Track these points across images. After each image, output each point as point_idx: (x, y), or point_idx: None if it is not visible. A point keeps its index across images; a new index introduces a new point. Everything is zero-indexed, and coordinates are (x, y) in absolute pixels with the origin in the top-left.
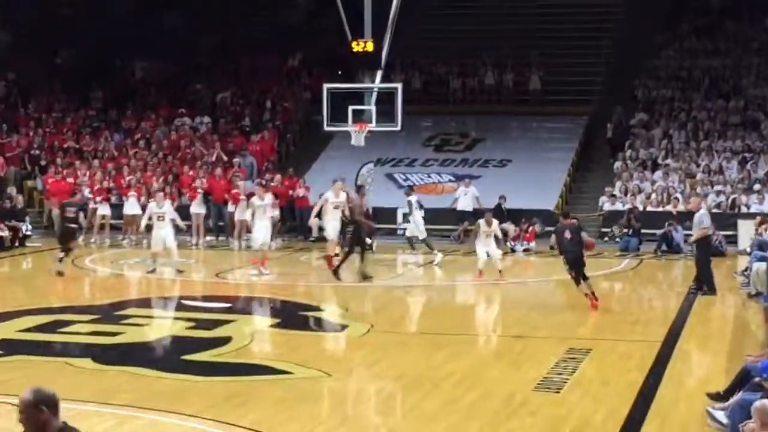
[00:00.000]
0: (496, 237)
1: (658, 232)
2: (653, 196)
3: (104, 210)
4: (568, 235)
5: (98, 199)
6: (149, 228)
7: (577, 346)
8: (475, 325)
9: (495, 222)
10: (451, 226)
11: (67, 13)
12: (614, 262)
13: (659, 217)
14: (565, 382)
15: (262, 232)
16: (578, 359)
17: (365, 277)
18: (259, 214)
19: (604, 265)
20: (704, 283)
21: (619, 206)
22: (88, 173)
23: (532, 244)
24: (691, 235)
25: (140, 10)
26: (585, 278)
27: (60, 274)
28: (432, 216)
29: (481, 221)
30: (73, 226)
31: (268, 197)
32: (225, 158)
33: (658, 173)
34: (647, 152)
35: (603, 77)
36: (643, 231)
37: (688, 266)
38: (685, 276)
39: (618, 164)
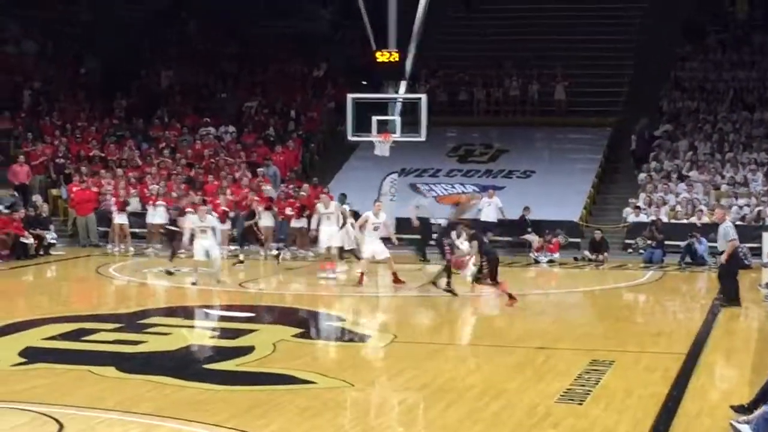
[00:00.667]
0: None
1: (682, 244)
2: (678, 207)
3: (122, 219)
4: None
5: (113, 208)
6: (191, 240)
7: (601, 357)
8: (498, 336)
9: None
10: None
11: (90, 21)
12: (638, 274)
13: (683, 228)
14: (588, 394)
15: (326, 236)
16: (601, 371)
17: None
18: (324, 221)
19: (628, 276)
20: (728, 296)
21: (643, 218)
22: (112, 182)
23: (556, 256)
24: (715, 247)
25: (165, 19)
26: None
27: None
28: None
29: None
30: (176, 228)
31: (333, 205)
32: (249, 175)
33: (683, 185)
34: (672, 164)
35: (627, 88)
36: (667, 243)
37: (712, 278)
38: (709, 288)
39: (642, 176)
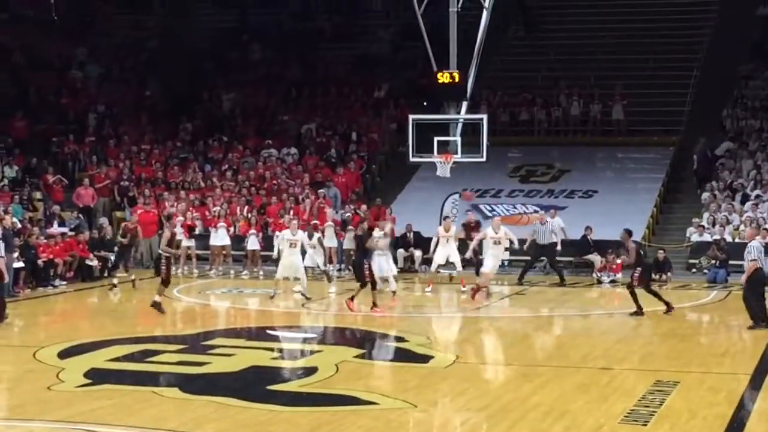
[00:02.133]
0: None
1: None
2: (742, 227)
3: (188, 242)
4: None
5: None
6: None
7: (665, 378)
8: (562, 356)
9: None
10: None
11: (154, 45)
12: (702, 294)
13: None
14: (653, 415)
15: (440, 258)
16: (666, 392)
17: None
18: (442, 243)
19: (692, 296)
20: (754, 318)
21: (707, 237)
22: (176, 205)
23: (619, 276)
24: None
25: (227, 42)
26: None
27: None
28: (519, 247)
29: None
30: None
31: (453, 229)
32: (312, 197)
33: (747, 204)
34: (736, 183)
35: (690, 107)
36: (731, 262)
37: None
38: None
39: (706, 195)
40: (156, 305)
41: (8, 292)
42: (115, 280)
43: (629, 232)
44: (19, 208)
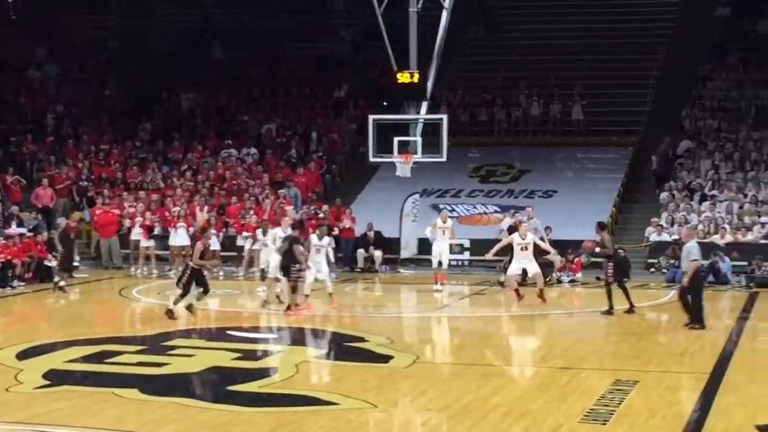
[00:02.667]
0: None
1: (705, 263)
2: (700, 227)
3: (147, 242)
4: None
5: (138, 231)
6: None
7: (624, 377)
8: (521, 356)
9: (327, 238)
10: (499, 257)
11: (114, 45)
12: (661, 294)
13: (706, 248)
14: (612, 414)
15: (437, 251)
16: (625, 391)
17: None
18: (439, 236)
19: (651, 296)
20: (693, 317)
21: (665, 237)
22: (135, 205)
23: (579, 275)
24: (740, 265)
25: (186, 42)
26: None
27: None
28: (478, 247)
29: (313, 235)
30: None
31: (450, 222)
32: (272, 197)
33: (705, 204)
34: (694, 183)
35: (649, 108)
36: None
37: (735, 297)
38: (732, 307)
39: (664, 195)
40: (169, 313)
41: None
42: (62, 282)
43: (601, 225)
44: None
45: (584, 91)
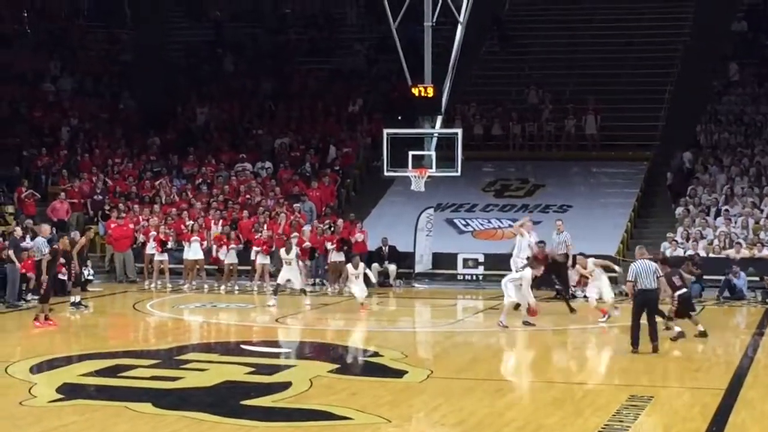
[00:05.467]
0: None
1: (721, 278)
2: (716, 242)
3: (161, 256)
4: None
5: (152, 244)
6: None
7: (639, 393)
8: (536, 371)
9: (361, 264)
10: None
11: (127, 59)
12: None
13: (722, 263)
14: (627, 430)
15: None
16: (640, 407)
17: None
18: (524, 249)
19: (666, 311)
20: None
21: (680, 252)
22: (149, 219)
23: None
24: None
25: (201, 56)
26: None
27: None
28: (493, 262)
29: (349, 265)
30: None
31: (534, 235)
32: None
33: (721, 219)
34: (709, 198)
35: (664, 122)
36: (705, 277)
37: (751, 312)
38: (748, 323)
39: (680, 210)
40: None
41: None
42: (77, 298)
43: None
44: None
45: (599, 106)
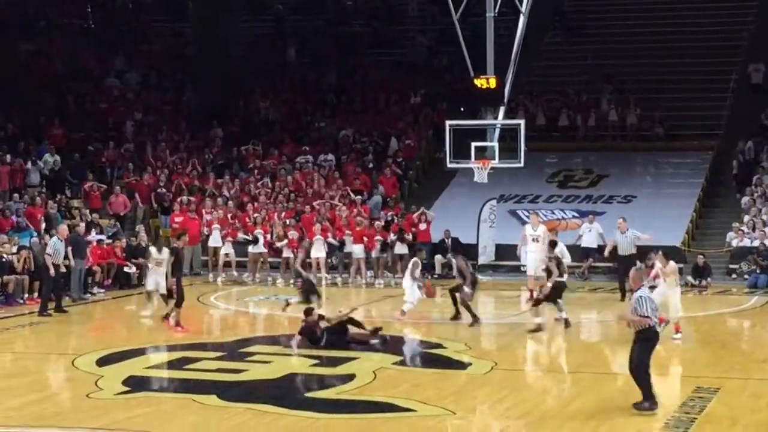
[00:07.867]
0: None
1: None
2: None
3: (227, 248)
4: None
5: (216, 235)
6: None
7: (706, 384)
8: (601, 362)
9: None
10: (575, 263)
11: (190, 52)
12: (743, 300)
13: None
14: (694, 422)
15: (532, 260)
16: (706, 398)
17: None
18: (530, 243)
19: (732, 302)
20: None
21: (747, 242)
22: (213, 212)
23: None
24: None
25: (263, 48)
26: None
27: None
28: None
29: (411, 264)
30: None
31: (541, 228)
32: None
33: None
34: None
35: (728, 111)
36: None
37: None
38: None
39: (746, 199)
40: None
41: (79, 293)
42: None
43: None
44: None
45: (663, 96)
